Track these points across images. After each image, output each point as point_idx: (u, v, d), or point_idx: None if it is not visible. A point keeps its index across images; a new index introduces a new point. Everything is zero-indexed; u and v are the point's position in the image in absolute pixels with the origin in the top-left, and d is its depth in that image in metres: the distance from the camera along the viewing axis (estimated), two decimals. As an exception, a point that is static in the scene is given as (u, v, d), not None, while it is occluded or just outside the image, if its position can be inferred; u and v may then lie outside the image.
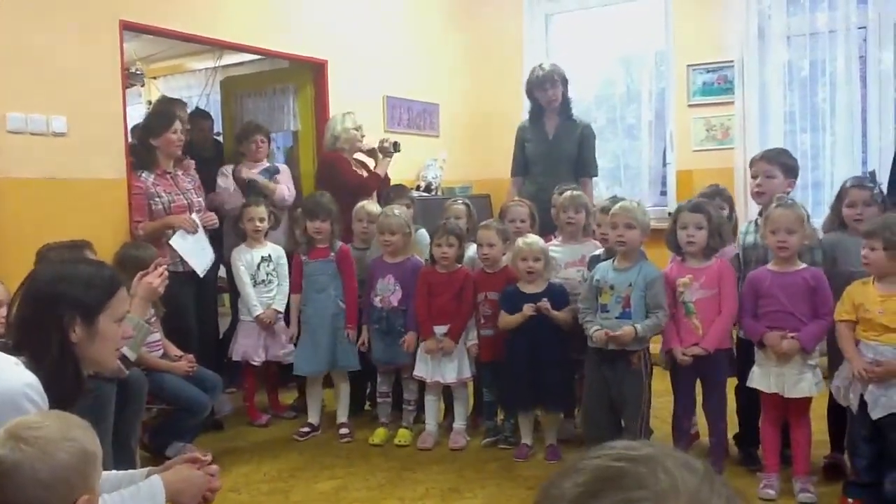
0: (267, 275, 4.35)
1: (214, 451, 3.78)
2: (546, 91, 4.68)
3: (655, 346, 3.48)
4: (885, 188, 3.50)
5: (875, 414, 2.97)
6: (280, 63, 5.54)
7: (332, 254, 4.18)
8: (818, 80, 5.46)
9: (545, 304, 3.63)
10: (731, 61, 5.53)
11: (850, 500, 3.11)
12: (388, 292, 4.04)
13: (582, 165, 4.75)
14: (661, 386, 3.61)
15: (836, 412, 3.35)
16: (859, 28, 5.25)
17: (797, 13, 5.45)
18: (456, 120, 6.28)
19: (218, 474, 1.97)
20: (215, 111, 5.98)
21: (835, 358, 3.22)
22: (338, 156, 4.80)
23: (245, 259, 4.35)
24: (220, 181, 4.81)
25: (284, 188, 4.77)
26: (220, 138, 5.82)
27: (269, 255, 4.38)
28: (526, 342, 3.67)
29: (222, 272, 4.81)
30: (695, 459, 0.76)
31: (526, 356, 3.68)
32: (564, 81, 4.73)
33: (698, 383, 3.45)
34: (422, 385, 4.06)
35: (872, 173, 3.63)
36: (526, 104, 4.96)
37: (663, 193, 5.93)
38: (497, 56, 6.39)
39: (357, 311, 4.14)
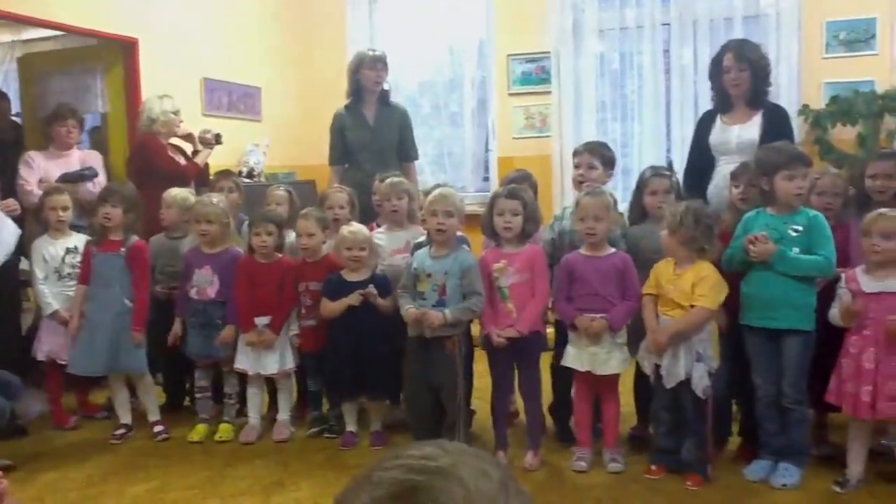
0: (73, 268, 4.04)
1: (15, 459, 3.55)
2: (376, 70, 4.66)
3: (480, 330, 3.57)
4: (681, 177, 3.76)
5: (668, 383, 3.20)
6: (88, 41, 5.17)
7: (123, 249, 3.90)
8: (627, 73, 5.79)
9: (371, 290, 3.63)
10: (548, 53, 5.75)
11: (653, 466, 3.34)
12: (205, 284, 3.88)
13: (404, 150, 4.78)
14: (483, 367, 3.69)
15: (642, 386, 3.58)
16: (664, 24, 5.60)
17: (608, 8, 5.74)
18: (279, 104, 6.14)
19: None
20: (13, 91, 5.51)
21: (635, 333, 3.43)
22: (153, 139, 4.57)
23: (48, 251, 4.03)
24: (23, 171, 4.40)
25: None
26: (19, 120, 5.37)
27: (76, 247, 4.07)
28: (350, 331, 3.65)
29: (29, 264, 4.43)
30: (493, 465, 0.77)
31: (350, 344, 3.66)
32: (387, 70, 4.74)
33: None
34: (243, 378, 3.95)
35: (670, 163, 3.90)
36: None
37: (486, 179, 6.09)
38: (321, 40, 6.30)
39: (146, 313, 3.89)
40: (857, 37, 5.26)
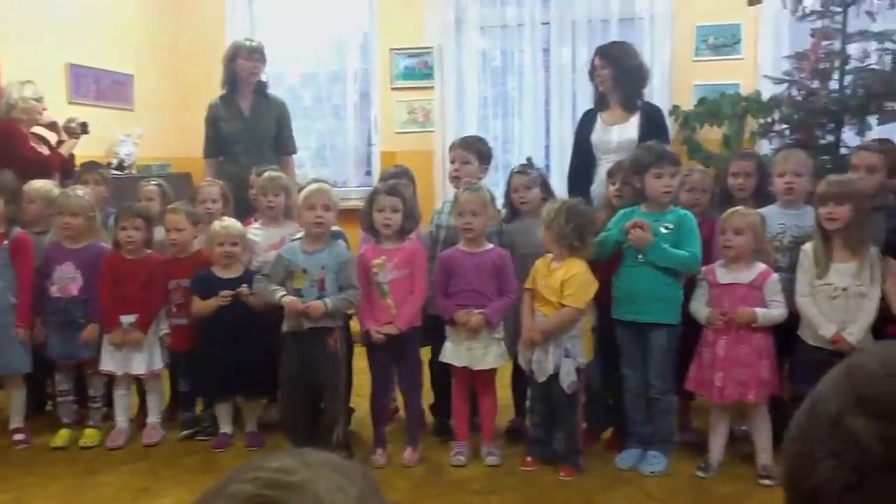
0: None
1: None
2: (252, 61, 4.52)
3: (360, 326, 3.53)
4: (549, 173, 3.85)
5: (539, 378, 3.27)
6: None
7: (6, 241, 3.68)
8: (509, 70, 5.86)
9: (245, 290, 3.53)
10: (431, 48, 5.75)
11: (528, 458, 3.40)
12: (67, 280, 3.67)
13: (282, 143, 4.67)
14: (363, 364, 3.65)
15: (519, 379, 3.64)
16: (543, 24, 5.69)
17: (490, 5, 5.78)
18: (153, 93, 5.88)
19: None
20: None
21: (514, 328, 3.48)
22: (13, 126, 4.29)
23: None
24: None
25: None
26: None
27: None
28: (222, 328, 3.55)
29: None
30: (355, 478, 0.74)
31: (223, 342, 3.55)
32: (265, 61, 4.61)
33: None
34: (110, 380, 3.76)
35: (529, 159, 4.01)
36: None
37: (368, 174, 6.04)
38: (199, 27, 6.07)
39: (30, 307, 3.69)
40: (724, 41, 5.51)
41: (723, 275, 3.25)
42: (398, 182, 3.60)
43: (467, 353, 3.40)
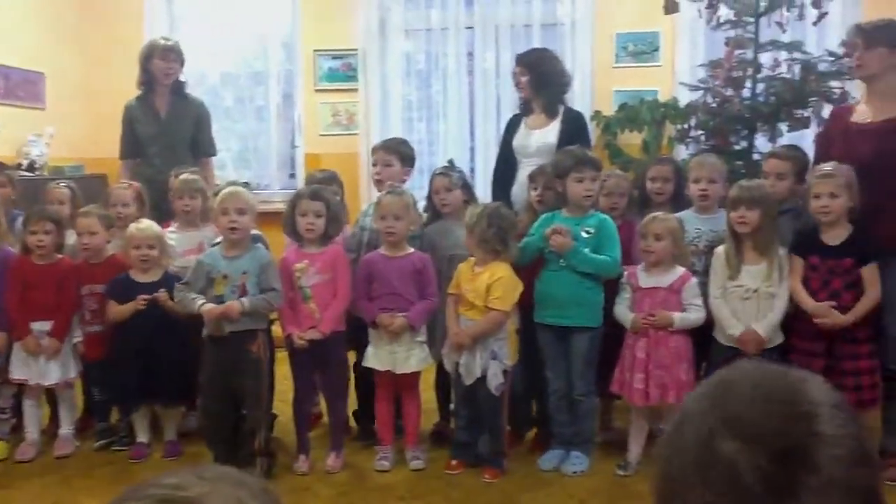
0: None
1: None
2: (167, 61, 4.39)
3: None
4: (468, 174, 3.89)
5: (466, 381, 3.29)
6: None
7: None
8: (433, 73, 5.86)
9: (163, 295, 3.44)
10: (355, 50, 5.71)
11: (453, 461, 3.41)
12: (-29, 287, 3.52)
13: (200, 146, 4.55)
14: (286, 369, 3.59)
15: (444, 382, 3.64)
16: (468, 28, 5.72)
17: (414, 8, 5.78)
18: (66, 92, 5.67)
19: None
20: None
21: (438, 332, 3.48)
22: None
23: None
24: None
25: None
26: None
27: None
28: (139, 334, 3.45)
29: None
30: (255, 493, 0.73)
31: (139, 349, 3.46)
32: (182, 61, 4.49)
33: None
34: (19, 390, 3.61)
35: (451, 161, 4.04)
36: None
37: (292, 176, 5.95)
38: (116, 24, 5.88)
39: None
40: (643, 49, 5.63)
41: (644, 279, 3.32)
42: (321, 187, 3.56)
43: (390, 357, 3.39)
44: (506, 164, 4.21)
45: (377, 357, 3.41)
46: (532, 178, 3.71)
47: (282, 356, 3.54)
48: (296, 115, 5.90)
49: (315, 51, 5.80)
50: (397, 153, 3.78)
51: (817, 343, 3.13)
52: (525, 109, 4.22)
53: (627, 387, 3.28)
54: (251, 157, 6.06)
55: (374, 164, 3.80)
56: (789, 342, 3.22)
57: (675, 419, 0.76)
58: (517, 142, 4.15)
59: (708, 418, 0.72)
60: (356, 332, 3.50)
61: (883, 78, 3.28)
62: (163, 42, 4.49)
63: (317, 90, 5.83)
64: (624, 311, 3.33)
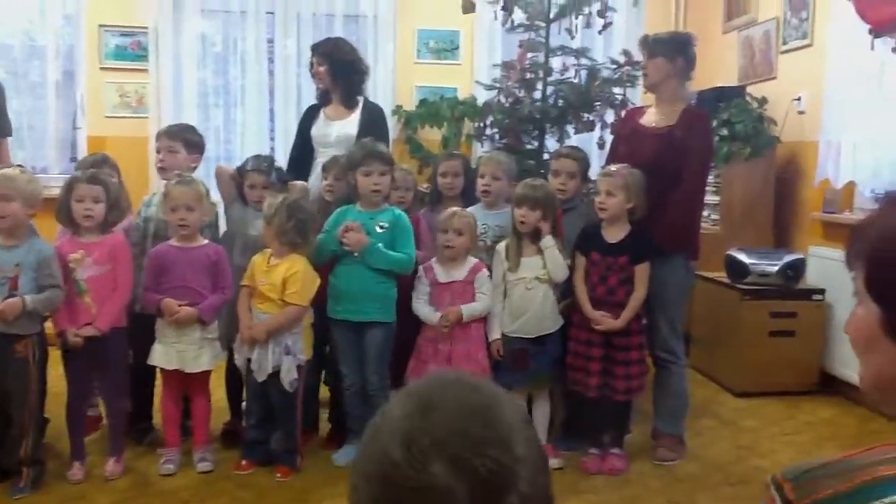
0: None
1: None
2: None
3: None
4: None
5: (259, 377, 3.20)
6: None
7: None
8: (231, 58, 5.64)
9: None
10: (146, 28, 5.37)
11: (244, 461, 3.30)
12: None
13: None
14: (60, 369, 3.30)
15: (235, 380, 3.51)
16: (268, 13, 5.55)
17: (211, -13, 5.52)
18: None
19: None
20: None
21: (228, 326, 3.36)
22: None
23: None
24: None
25: None
26: None
27: None
28: None
29: None
30: None
31: None
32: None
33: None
34: None
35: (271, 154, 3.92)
36: None
37: (73, 160, 5.49)
38: None
39: None
40: (444, 46, 5.74)
41: (442, 273, 3.37)
42: (99, 171, 3.31)
43: (179, 356, 3.23)
44: (301, 153, 4.13)
45: (165, 355, 3.23)
46: (324, 168, 3.68)
47: (55, 354, 3.26)
48: (78, 94, 5.45)
49: (101, 26, 5.39)
50: (182, 139, 3.60)
51: (594, 334, 3.33)
52: (323, 100, 4.16)
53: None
54: (25, 137, 5.50)
55: (158, 151, 3.60)
56: (570, 331, 3.40)
57: (368, 432, 0.77)
58: (316, 131, 4.07)
59: (418, 438, 0.72)
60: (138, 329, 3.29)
61: (664, 86, 3.53)
62: None
63: (102, 68, 5.43)
64: (425, 309, 3.35)
